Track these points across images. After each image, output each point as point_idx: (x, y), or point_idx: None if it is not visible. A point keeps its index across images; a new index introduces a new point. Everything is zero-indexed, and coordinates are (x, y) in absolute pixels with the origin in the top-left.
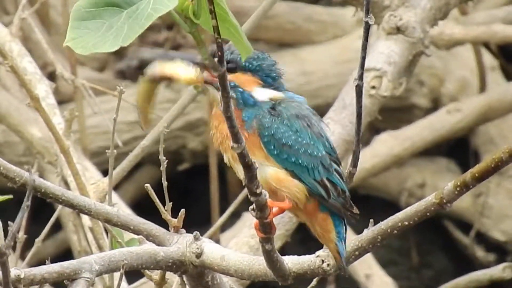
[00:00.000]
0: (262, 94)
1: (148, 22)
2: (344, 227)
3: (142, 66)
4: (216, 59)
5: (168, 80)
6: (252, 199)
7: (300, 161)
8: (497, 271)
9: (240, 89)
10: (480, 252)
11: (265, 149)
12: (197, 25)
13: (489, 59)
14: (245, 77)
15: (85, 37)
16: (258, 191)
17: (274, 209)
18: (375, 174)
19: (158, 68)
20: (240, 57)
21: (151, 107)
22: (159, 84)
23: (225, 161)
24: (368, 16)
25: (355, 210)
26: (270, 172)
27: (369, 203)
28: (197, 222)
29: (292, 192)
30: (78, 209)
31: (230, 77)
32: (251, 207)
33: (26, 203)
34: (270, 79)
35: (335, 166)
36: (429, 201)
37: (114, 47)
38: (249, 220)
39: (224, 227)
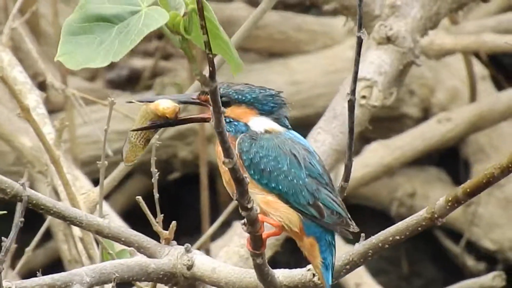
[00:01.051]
0: (259, 124)
1: (139, 37)
2: (332, 253)
3: (132, 75)
4: (207, 75)
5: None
6: (243, 214)
7: (280, 187)
8: (487, 280)
9: (235, 123)
10: (470, 261)
11: (247, 172)
12: (188, 40)
13: (479, 68)
14: (240, 109)
15: (76, 52)
16: (249, 206)
17: (269, 229)
18: (365, 183)
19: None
20: (232, 91)
21: (142, 149)
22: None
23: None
24: (361, 31)
25: (353, 228)
26: (259, 197)
27: (360, 212)
28: (188, 231)
29: (283, 215)
30: (69, 221)
31: (229, 113)
32: (242, 221)
33: (20, 219)
34: (267, 108)
35: (325, 191)
36: (421, 216)
37: (104, 63)
38: (239, 229)
39: (214, 236)
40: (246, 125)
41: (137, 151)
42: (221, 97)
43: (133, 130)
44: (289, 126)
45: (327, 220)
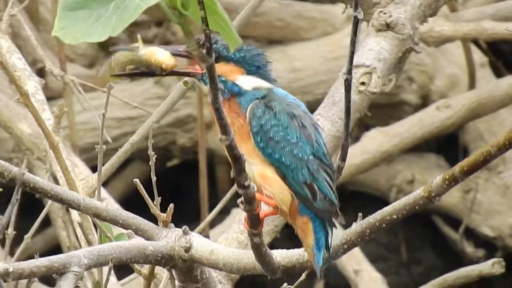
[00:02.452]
0: (246, 82)
1: (137, 12)
2: (326, 234)
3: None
4: (204, 50)
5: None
6: (240, 191)
7: (283, 159)
8: (486, 266)
9: (223, 78)
10: (469, 248)
11: (253, 139)
12: (185, 16)
13: (478, 55)
14: (228, 66)
15: (73, 27)
16: (246, 183)
17: (267, 209)
18: (364, 170)
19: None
20: (222, 47)
21: (115, 70)
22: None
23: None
24: (357, 11)
25: (340, 220)
26: (257, 168)
27: (359, 199)
28: (187, 219)
29: (275, 192)
30: (67, 204)
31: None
32: (239, 199)
33: (16, 196)
34: (254, 68)
35: (324, 174)
36: (418, 194)
37: (103, 37)
38: (238, 216)
39: (213, 223)
40: (234, 83)
41: (111, 76)
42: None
43: (115, 75)
44: (276, 82)
45: (318, 205)
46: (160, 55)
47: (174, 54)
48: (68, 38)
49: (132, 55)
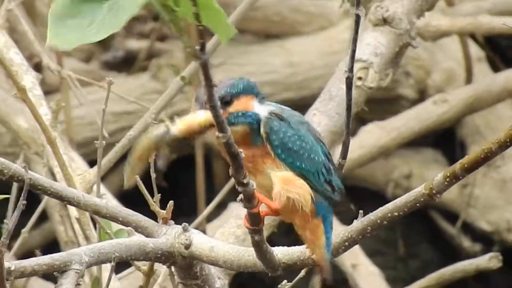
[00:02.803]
0: (262, 108)
1: (132, 11)
2: (331, 232)
3: (127, 57)
4: (197, 47)
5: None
6: (239, 189)
7: (304, 165)
8: (484, 261)
9: (249, 113)
10: (466, 243)
11: (274, 153)
12: (177, 12)
13: (475, 50)
14: (242, 100)
15: (67, 34)
16: (245, 181)
17: (264, 208)
18: (361, 164)
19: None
20: (229, 88)
21: (142, 165)
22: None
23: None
24: (359, 8)
25: (352, 207)
26: (279, 174)
27: (356, 193)
28: (184, 213)
29: (300, 193)
30: (67, 201)
31: (234, 109)
32: (239, 197)
33: (22, 201)
34: (257, 92)
35: (330, 165)
36: (419, 192)
37: (100, 37)
38: (235, 210)
39: (210, 218)
40: (255, 113)
41: (136, 172)
42: (222, 99)
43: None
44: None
45: (335, 197)
46: (201, 117)
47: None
48: (65, 44)
49: (155, 138)
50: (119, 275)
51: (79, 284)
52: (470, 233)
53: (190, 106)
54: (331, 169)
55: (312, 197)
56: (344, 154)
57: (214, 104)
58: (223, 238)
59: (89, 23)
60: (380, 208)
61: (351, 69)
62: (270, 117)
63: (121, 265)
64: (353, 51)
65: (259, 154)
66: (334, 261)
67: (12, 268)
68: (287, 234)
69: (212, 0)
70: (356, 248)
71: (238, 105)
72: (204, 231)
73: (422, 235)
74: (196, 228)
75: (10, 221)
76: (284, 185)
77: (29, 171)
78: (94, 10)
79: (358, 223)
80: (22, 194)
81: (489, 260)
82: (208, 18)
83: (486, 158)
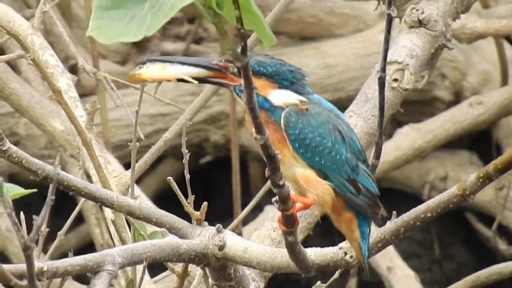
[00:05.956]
0: (278, 97)
1: (172, 12)
2: (369, 226)
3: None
4: (239, 50)
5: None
6: (275, 191)
7: (323, 161)
8: None
9: (258, 98)
10: (502, 245)
11: (291, 146)
12: (219, 15)
13: (511, 52)
14: (259, 81)
15: (108, 27)
16: (281, 182)
17: (298, 204)
18: (397, 167)
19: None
20: (254, 62)
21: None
22: None
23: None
24: (391, 9)
25: (383, 212)
26: (299, 171)
27: (392, 196)
28: (219, 216)
29: (319, 193)
30: (100, 202)
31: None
32: (274, 199)
33: (51, 197)
34: (286, 82)
35: (363, 166)
36: (452, 192)
37: (137, 37)
38: (271, 213)
39: (246, 220)
40: (266, 99)
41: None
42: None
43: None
44: (311, 92)
45: (362, 200)
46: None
47: (206, 67)
48: (103, 37)
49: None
50: (155, 278)
51: (112, 285)
52: (505, 235)
53: (226, 108)
54: (360, 169)
55: (335, 194)
56: (377, 155)
57: (253, 106)
58: (259, 241)
59: (131, 17)
60: (413, 209)
61: (383, 69)
62: (288, 112)
63: (157, 268)
64: (385, 51)
65: (281, 142)
66: (369, 262)
67: (45, 269)
68: (322, 237)
69: (253, 5)
70: (392, 250)
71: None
72: (240, 234)
73: (457, 237)
74: (232, 230)
75: (40, 217)
76: (304, 185)
77: (63, 172)
78: (137, 5)
79: (392, 224)
80: (51, 190)
81: None
82: (250, 22)
83: None
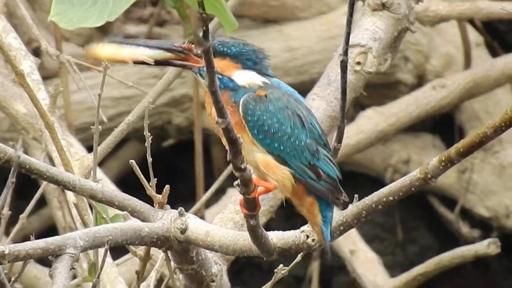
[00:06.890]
0: (242, 78)
1: None
2: (331, 210)
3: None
4: (201, 34)
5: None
6: (236, 174)
7: (282, 148)
8: (482, 247)
9: (219, 76)
10: (465, 228)
11: (250, 133)
12: (181, 0)
13: (474, 35)
14: (223, 62)
15: (70, 12)
16: (242, 166)
17: (260, 188)
18: (360, 150)
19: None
20: (218, 42)
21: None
22: None
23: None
24: None
25: (344, 197)
26: (259, 156)
27: (354, 179)
28: (182, 198)
29: (279, 179)
30: (63, 185)
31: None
32: (235, 182)
33: (11, 179)
34: (250, 63)
35: (323, 151)
36: (414, 176)
37: (99, 22)
38: (233, 196)
39: (209, 203)
40: (230, 79)
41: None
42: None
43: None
44: (273, 75)
45: (322, 185)
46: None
47: (169, 50)
48: (65, 23)
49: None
50: (117, 261)
51: (74, 268)
52: (468, 218)
53: (189, 91)
54: (321, 154)
55: (295, 179)
56: (339, 138)
57: (215, 90)
58: (222, 224)
59: (92, 2)
60: (375, 193)
61: (345, 52)
62: (246, 99)
63: (119, 251)
64: (348, 34)
65: (240, 125)
66: (332, 245)
67: (6, 252)
68: (285, 220)
69: None
70: (354, 234)
71: (216, 64)
72: (203, 217)
73: (420, 221)
74: (195, 214)
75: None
76: (264, 170)
77: (25, 155)
78: None
79: (353, 208)
80: (11, 173)
81: (488, 246)
82: (211, 6)
83: (481, 143)
